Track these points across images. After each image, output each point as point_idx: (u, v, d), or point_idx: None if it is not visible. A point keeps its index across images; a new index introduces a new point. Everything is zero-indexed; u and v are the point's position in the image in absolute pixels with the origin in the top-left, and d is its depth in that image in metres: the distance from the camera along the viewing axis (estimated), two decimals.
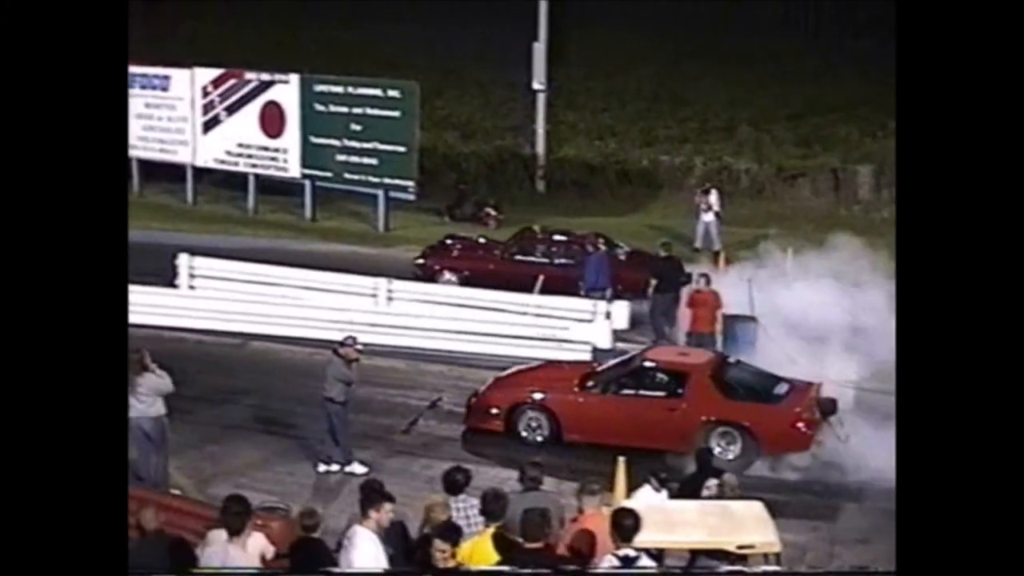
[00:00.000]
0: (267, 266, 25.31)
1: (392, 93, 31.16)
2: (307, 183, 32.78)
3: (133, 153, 35.15)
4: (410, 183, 31.07)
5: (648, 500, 13.17)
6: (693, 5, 48.12)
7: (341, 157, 31.89)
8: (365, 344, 19.35)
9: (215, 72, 33.97)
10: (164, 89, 34.67)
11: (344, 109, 31.70)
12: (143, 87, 34.83)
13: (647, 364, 18.85)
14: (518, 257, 25.96)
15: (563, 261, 25.41)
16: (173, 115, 34.62)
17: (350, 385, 17.57)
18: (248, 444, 18.49)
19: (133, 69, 35.11)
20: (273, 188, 33.71)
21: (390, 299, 23.72)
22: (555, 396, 18.70)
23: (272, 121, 32.91)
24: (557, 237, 26.37)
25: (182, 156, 34.60)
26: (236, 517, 10.69)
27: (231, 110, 33.62)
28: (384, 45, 45.45)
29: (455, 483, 12.40)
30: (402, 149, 31.03)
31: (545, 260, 25.59)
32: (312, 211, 32.65)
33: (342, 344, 17.77)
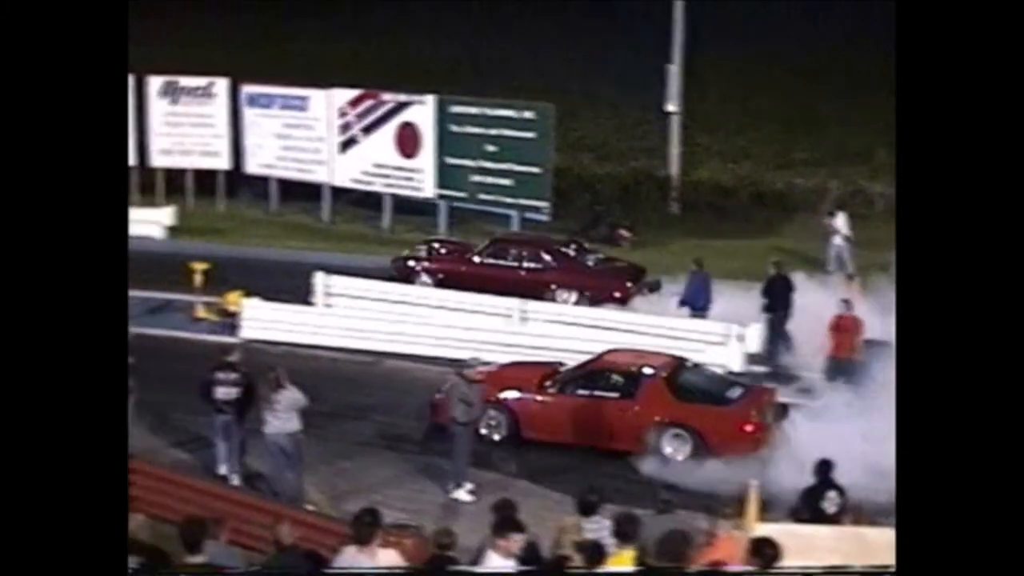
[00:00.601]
0: (402, 285, 25.53)
1: (528, 115, 31.28)
2: (442, 203, 33.01)
3: (272, 172, 35.74)
4: (544, 204, 31.15)
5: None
6: (828, 29, 47.65)
7: (476, 178, 32.07)
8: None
9: (352, 93, 34.38)
10: (303, 109, 35.16)
11: (480, 130, 31.89)
12: (283, 107, 35.40)
13: (603, 366, 19.53)
14: (489, 261, 26.81)
15: (531, 265, 26.42)
16: (311, 135, 35.09)
17: (472, 406, 17.59)
18: (380, 462, 18.62)
19: (272, 89, 35.81)
20: (408, 208, 33.99)
21: (524, 319, 23.78)
22: (515, 395, 19.30)
23: (408, 141, 33.20)
24: (527, 241, 27.87)
25: (319, 176, 35.04)
26: (366, 528, 10.76)
27: (368, 130, 33.98)
28: (519, 66, 45.61)
29: (589, 504, 12.41)
30: (537, 170, 31.13)
31: (515, 264, 26.54)
32: (447, 231, 32.86)
33: (466, 365, 17.85)
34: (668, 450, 18.30)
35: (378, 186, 34.12)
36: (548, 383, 19.55)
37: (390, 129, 33.54)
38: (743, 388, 19.34)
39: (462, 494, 17.33)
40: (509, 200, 31.54)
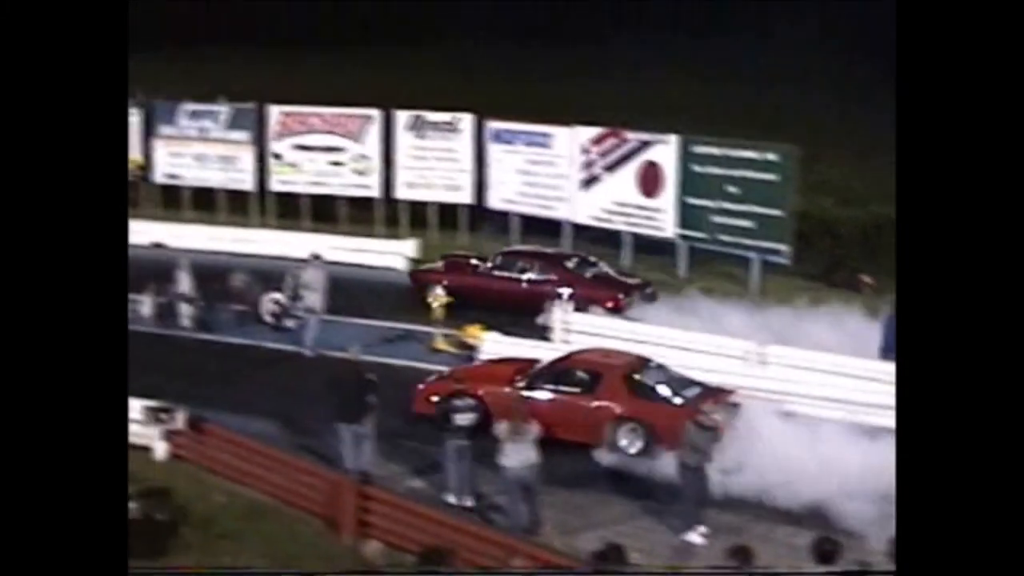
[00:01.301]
0: (640, 324, 25.51)
1: (770, 156, 30.98)
2: (682, 243, 32.92)
3: (514, 208, 36.14)
4: (784, 247, 30.77)
5: None
6: None
7: (716, 219, 31.86)
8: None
9: (596, 130, 34.59)
10: (546, 146, 35.51)
11: (721, 171, 31.68)
12: (527, 144, 35.82)
13: (569, 364, 21.56)
14: (496, 273, 28.69)
15: (534, 277, 28.33)
16: (554, 172, 35.38)
17: (705, 452, 17.50)
18: (614, 498, 18.67)
19: (517, 126, 36.23)
20: (648, 247, 33.96)
21: (762, 363, 23.50)
22: (487, 388, 20.84)
23: (650, 181, 33.21)
24: (533, 253, 29.91)
25: (561, 212, 35.30)
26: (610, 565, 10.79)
27: (610, 168, 34.11)
28: (762, 108, 45.31)
29: (826, 553, 12.23)
30: (778, 213, 30.78)
31: (518, 276, 28.45)
32: (686, 271, 32.73)
33: (697, 410, 17.86)
34: (623, 443, 20.07)
35: (619, 224, 34.19)
36: (519, 379, 21.29)
37: (632, 168, 33.61)
38: (701, 388, 20.79)
39: (694, 537, 17.23)
40: (749, 242, 31.25)
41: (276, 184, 38.83)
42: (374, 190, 37.66)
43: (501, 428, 17.63)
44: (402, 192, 37.33)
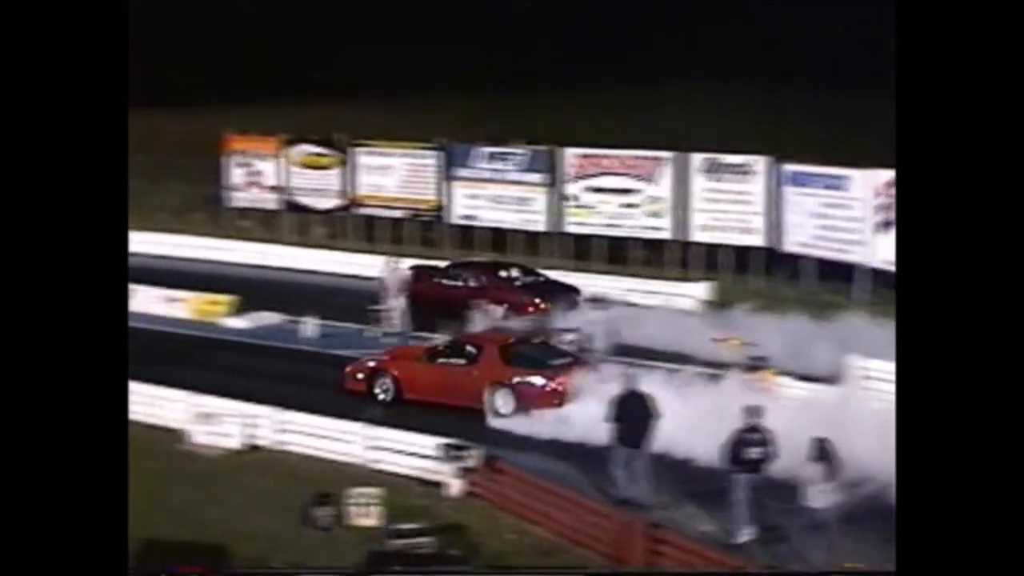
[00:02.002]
0: None
1: None
2: None
3: (808, 251, 35.60)
4: None
5: None
6: None
7: None
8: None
9: (891, 173, 33.80)
10: (843, 189, 34.92)
11: None
12: (824, 186, 35.29)
13: (460, 340, 26.32)
14: (443, 281, 32.63)
15: (471, 284, 32.00)
16: (850, 215, 34.75)
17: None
18: None
19: (814, 169, 35.73)
20: None
21: None
22: (399, 364, 25.92)
23: None
24: (473, 264, 34.18)
25: (856, 256, 34.62)
26: None
27: None
28: None
29: None
30: None
31: (460, 283, 32.21)
32: None
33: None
34: (499, 404, 24.12)
35: None
36: (421, 355, 26.03)
37: None
38: (571, 359, 25.00)
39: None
40: None
41: (569, 226, 39.27)
42: (667, 232, 37.69)
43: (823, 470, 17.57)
44: (695, 234, 37.27)
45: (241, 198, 45.99)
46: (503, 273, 33.16)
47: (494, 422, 23.80)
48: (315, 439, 22.96)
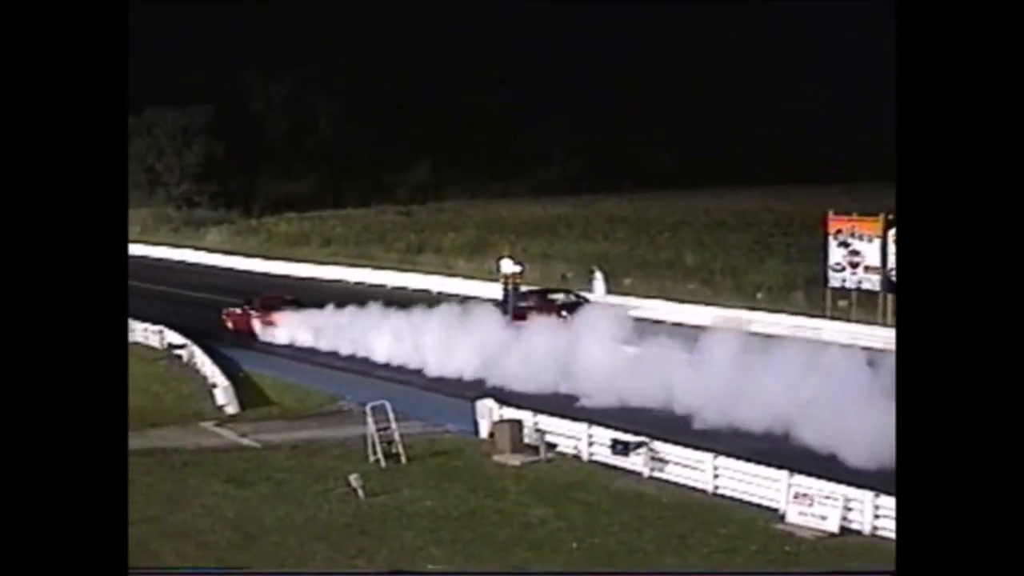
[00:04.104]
0: None
1: None
2: None
3: None
4: None
5: None
6: None
7: None
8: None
9: None
10: None
11: None
12: None
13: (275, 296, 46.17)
14: (526, 303, 44.82)
15: (530, 304, 44.14)
16: None
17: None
18: None
19: None
20: None
21: None
22: (230, 312, 45.29)
23: None
24: (531, 292, 47.29)
25: None
26: None
27: None
28: None
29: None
30: None
31: (529, 304, 44.32)
32: None
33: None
34: (257, 330, 43.25)
35: None
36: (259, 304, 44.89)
37: None
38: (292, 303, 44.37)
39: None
40: None
41: None
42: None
43: None
44: None
45: (840, 277, 44.62)
46: (542, 295, 45.79)
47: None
48: None
